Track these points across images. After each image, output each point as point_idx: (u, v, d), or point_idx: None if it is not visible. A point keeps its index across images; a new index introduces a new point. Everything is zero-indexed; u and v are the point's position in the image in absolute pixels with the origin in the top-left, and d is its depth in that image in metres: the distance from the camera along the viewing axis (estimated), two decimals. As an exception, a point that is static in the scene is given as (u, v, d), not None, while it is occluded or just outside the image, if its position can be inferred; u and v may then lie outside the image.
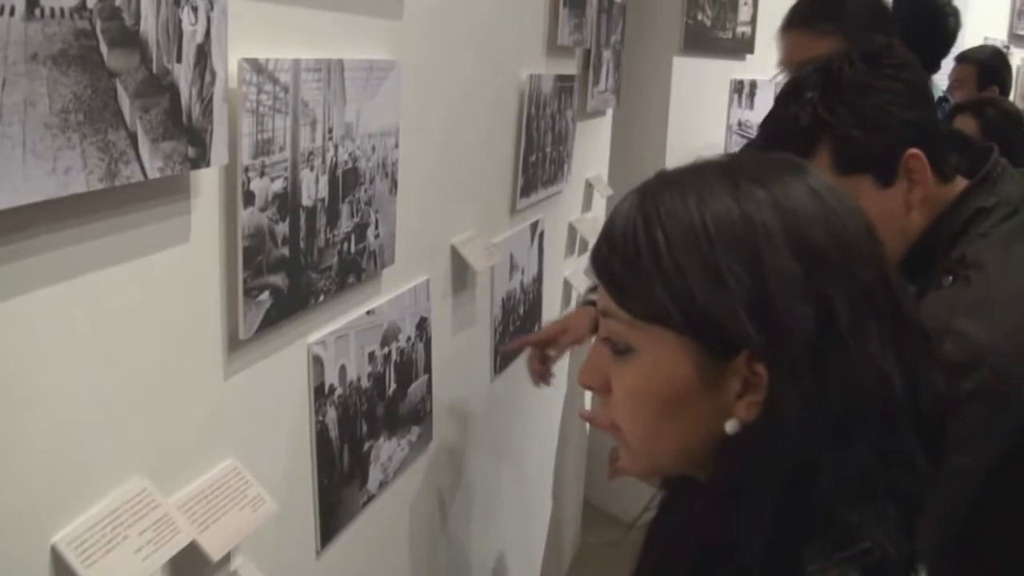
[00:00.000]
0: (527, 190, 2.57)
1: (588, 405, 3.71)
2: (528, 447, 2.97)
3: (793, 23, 1.93)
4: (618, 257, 0.89)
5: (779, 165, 0.90)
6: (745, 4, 4.31)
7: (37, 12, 0.86)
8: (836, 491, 0.83)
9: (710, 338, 0.85)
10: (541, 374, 2.25)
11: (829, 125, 1.45)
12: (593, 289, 2.23)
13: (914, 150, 1.44)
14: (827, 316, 0.82)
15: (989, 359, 1.32)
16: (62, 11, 0.89)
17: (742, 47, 4.37)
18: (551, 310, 3.03)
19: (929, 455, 0.88)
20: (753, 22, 4.39)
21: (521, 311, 2.67)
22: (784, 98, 1.54)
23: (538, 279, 2.81)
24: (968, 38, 6.21)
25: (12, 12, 0.84)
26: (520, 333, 2.68)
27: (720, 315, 0.83)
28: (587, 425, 3.81)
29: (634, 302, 0.88)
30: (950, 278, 1.44)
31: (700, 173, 0.90)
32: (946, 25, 3.37)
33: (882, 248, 0.89)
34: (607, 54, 3.16)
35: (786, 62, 1.96)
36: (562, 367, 3.29)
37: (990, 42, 6.27)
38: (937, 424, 0.89)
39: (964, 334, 1.34)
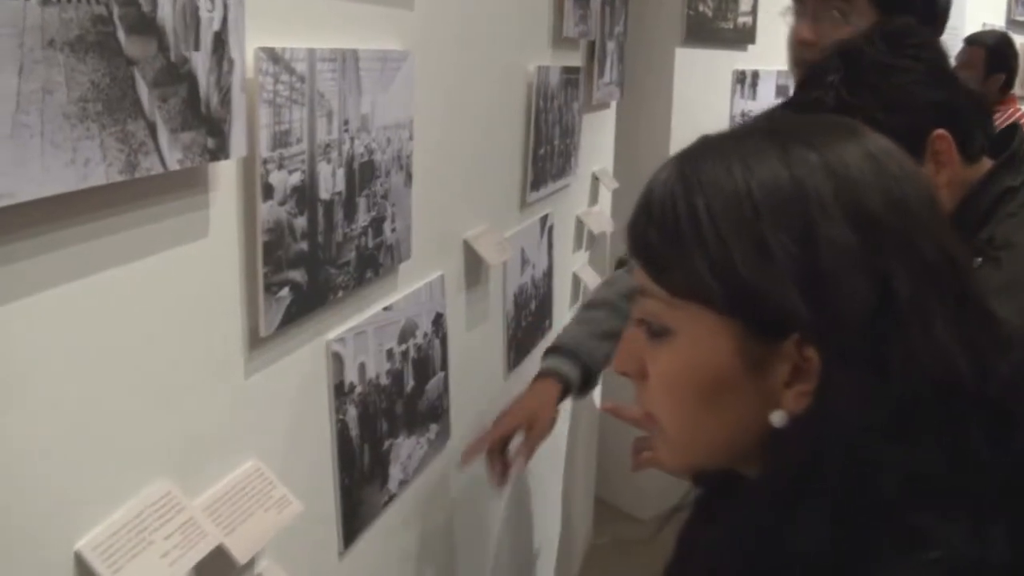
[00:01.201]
0: (537, 183, 2.54)
1: (598, 396, 3.69)
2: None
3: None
4: (655, 228, 0.82)
5: (832, 127, 0.83)
6: (746, -6, 4.29)
7: (53, -3, 0.83)
8: (900, 492, 0.76)
9: (755, 317, 0.78)
10: (503, 474, 1.95)
11: (853, 108, 1.41)
12: (553, 350, 2.08)
13: (940, 131, 1.41)
14: (886, 293, 0.75)
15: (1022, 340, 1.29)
16: (78, -4, 0.86)
17: (744, 37, 4.34)
18: (561, 305, 3.00)
19: (999, 449, 0.78)
20: (754, 12, 4.36)
21: (533, 306, 2.64)
22: (807, 83, 1.52)
23: (548, 273, 2.77)
24: (967, 24, 6.19)
25: (28, -4, 0.80)
26: (532, 329, 2.65)
27: (766, 291, 0.76)
28: (598, 420, 3.78)
29: (672, 278, 0.81)
30: (979, 260, 1.41)
31: (745, 137, 0.83)
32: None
33: (946, 219, 0.82)
34: (611, 46, 3.13)
35: (808, 43, 1.92)
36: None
37: (988, 27, 6.24)
38: (1006, 416, 0.79)
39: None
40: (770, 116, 0.96)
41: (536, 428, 1.94)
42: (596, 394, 3.66)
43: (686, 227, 0.79)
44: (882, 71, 1.44)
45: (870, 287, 0.75)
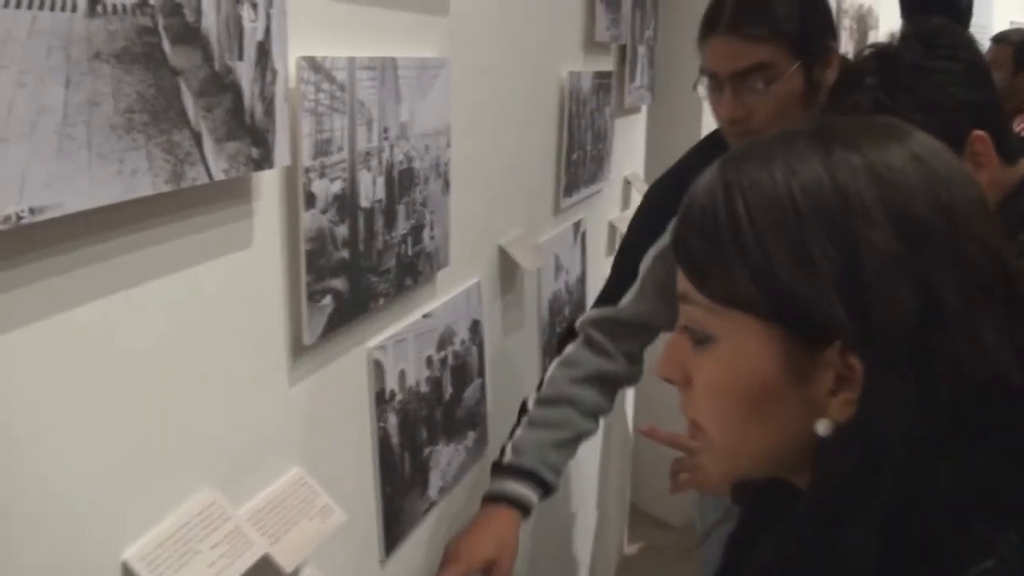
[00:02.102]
0: (570, 189, 2.53)
1: (631, 410, 3.68)
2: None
3: (718, 28, 1.76)
4: (695, 234, 0.81)
5: (878, 129, 0.81)
6: (775, -4, 4.25)
7: (99, 8, 0.83)
8: (951, 501, 0.74)
9: (797, 325, 0.76)
10: None
11: (891, 111, 1.40)
12: (509, 470, 1.73)
13: (978, 132, 1.39)
14: (931, 301, 0.73)
15: None
16: (124, 7, 0.86)
17: (773, 39, 4.31)
18: (595, 311, 2.98)
19: None
20: (784, 14, 4.33)
21: (567, 312, 2.63)
22: (842, 86, 1.50)
23: (582, 279, 2.77)
24: (995, 23, 6.15)
25: (74, 8, 0.81)
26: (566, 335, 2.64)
27: (807, 298, 0.74)
28: (631, 426, 3.76)
29: (713, 284, 0.80)
30: (1023, 261, 1.39)
31: (790, 140, 0.81)
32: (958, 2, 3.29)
33: (994, 220, 0.80)
34: (642, 50, 3.12)
35: (713, 70, 1.74)
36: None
37: (1015, 26, 6.20)
38: None
39: None
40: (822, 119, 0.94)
41: (498, 572, 1.64)
42: (628, 409, 3.66)
43: (726, 233, 0.78)
44: (919, 73, 1.42)
45: (914, 294, 0.73)
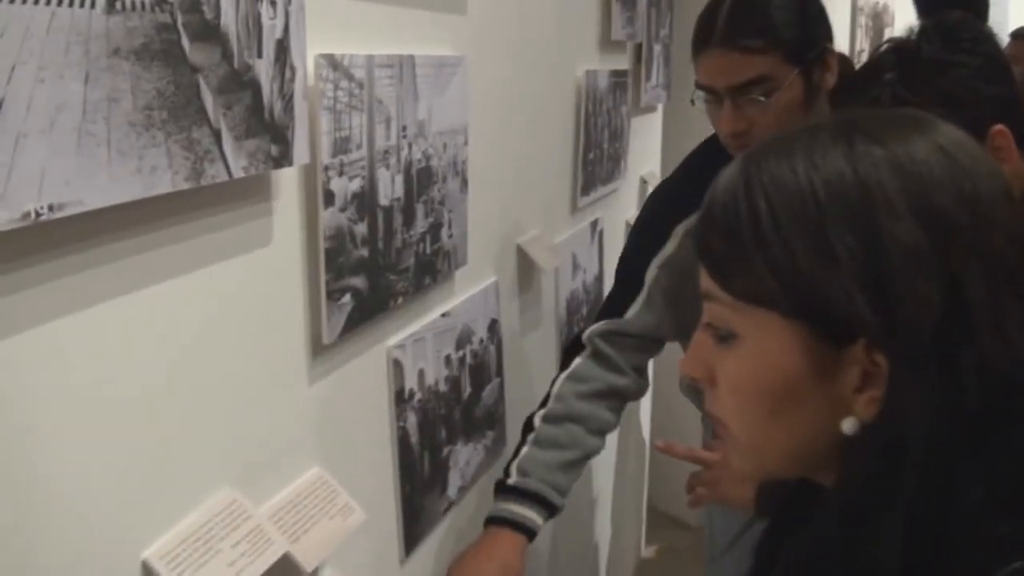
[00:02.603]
0: (587, 188, 2.52)
1: (647, 411, 3.66)
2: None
3: (712, 42, 1.72)
4: (717, 230, 0.80)
5: (902, 120, 0.80)
6: (791, -6, 4.24)
7: (118, 5, 0.83)
8: (978, 500, 0.73)
9: (821, 321, 0.75)
10: None
11: (911, 106, 1.39)
12: (515, 492, 1.68)
13: (999, 126, 1.38)
14: (956, 296, 0.72)
15: None
16: (143, 4, 0.86)
17: (789, 38, 4.29)
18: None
19: None
20: (800, 12, 4.31)
21: (584, 311, 2.63)
22: (861, 81, 1.49)
23: (599, 278, 2.76)
24: (1011, 19, 6.11)
25: (93, 5, 0.80)
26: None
27: (830, 294, 0.73)
28: (648, 427, 3.75)
29: (735, 281, 0.79)
30: None
31: (811, 133, 0.79)
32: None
33: (1021, 215, 0.78)
34: (657, 48, 3.11)
35: (709, 85, 1.69)
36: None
37: (1034, 22, 6.16)
38: None
39: None
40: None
41: None
42: (645, 410, 3.65)
43: (747, 229, 0.77)
44: (939, 67, 1.41)
45: (939, 289, 0.72)
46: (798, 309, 0.76)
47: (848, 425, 0.77)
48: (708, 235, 0.81)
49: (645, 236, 1.92)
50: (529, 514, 1.66)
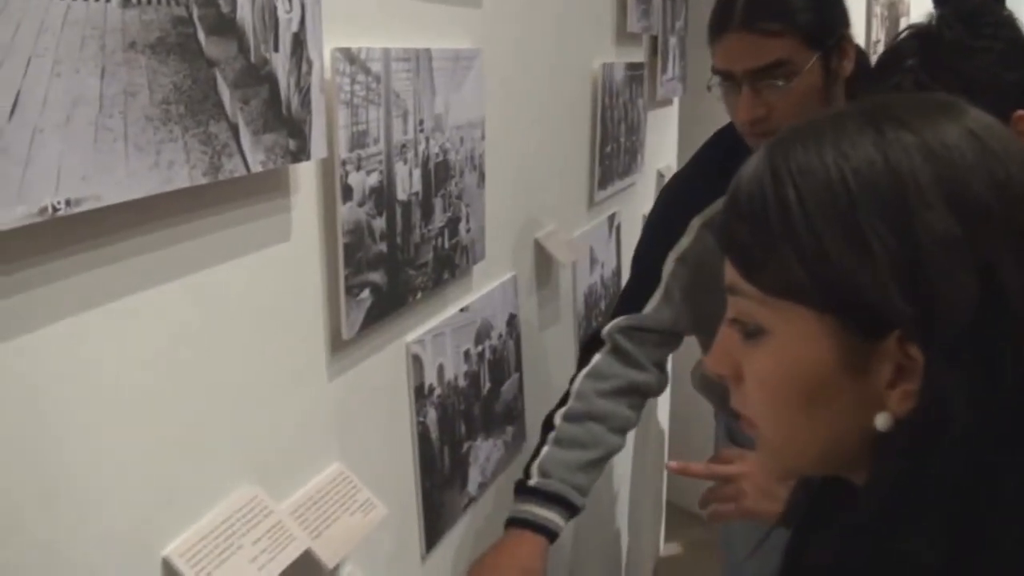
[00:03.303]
0: (604, 182, 2.51)
1: (666, 406, 3.65)
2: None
3: (730, 26, 1.70)
4: (743, 223, 0.77)
5: (930, 105, 0.77)
6: (806, -15, 4.22)
7: (134, -1, 0.82)
8: (1019, 497, 0.71)
9: (853, 315, 0.73)
10: None
11: (933, 92, 1.37)
12: (536, 494, 1.67)
13: (1021, 112, 1.36)
14: (992, 284, 0.70)
15: None
16: (159, -3, 0.85)
17: (805, 29, 4.27)
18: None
19: None
20: (815, 3, 4.29)
21: (602, 306, 2.62)
22: (882, 68, 1.47)
23: (617, 273, 2.75)
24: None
25: (109, -1, 0.80)
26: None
27: (863, 286, 0.71)
28: (667, 423, 3.74)
29: (763, 275, 0.76)
30: None
31: (839, 121, 0.77)
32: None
33: None
34: (673, 41, 3.09)
35: (727, 69, 1.67)
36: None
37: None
38: None
39: None
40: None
41: None
42: (664, 410, 3.63)
43: (776, 221, 0.75)
44: (961, 53, 1.39)
45: (975, 278, 0.70)
46: (829, 302, 0.74)
47: (882, 421, 0.75)
48: (734, 227, 0.79)
49: (660, 230, 1.91)
50: (551, 516, 1.65)
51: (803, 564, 0.91)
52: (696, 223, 1.78)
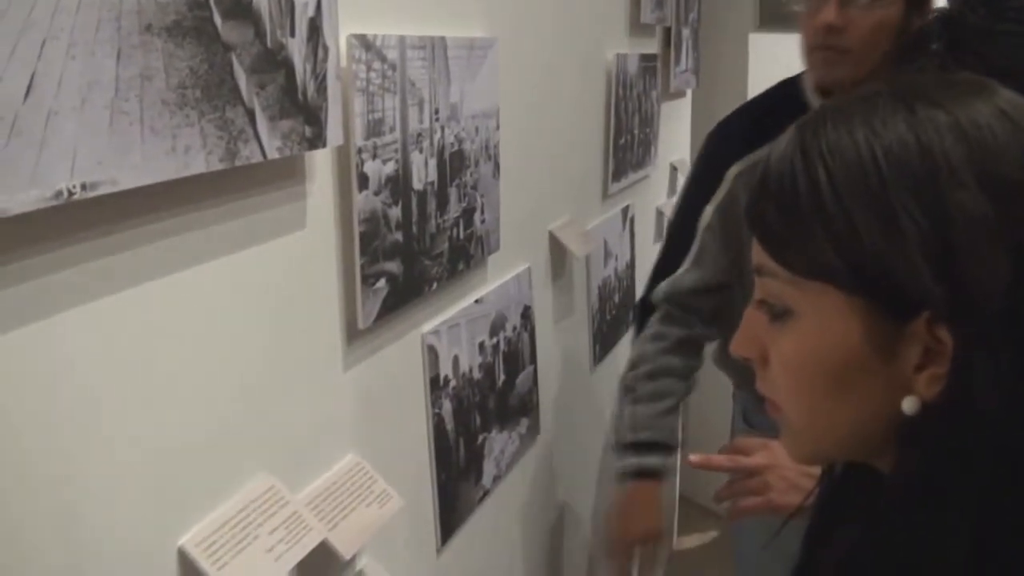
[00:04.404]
0: (618, 174, 2.50)
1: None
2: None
3: None
4: (773, 203, 0.76)
5: (961, 85, 0.76)
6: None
7: (150, -19, 0.81)
8: None
9: (883, 295, 0.72)
10: None
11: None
12: (642, 447, 1.87)
13: None
14: None
15: None
16: (175, -20, 0.84)
17: (818, 20, 4.25)
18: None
19: None
20: (828, -6, 4.27)
21: (616, 299, 2.61)
22: (906, 52, 1.46)
23: (631, 265, 2.74)
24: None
25: (125, -20, 0.79)
26: (616, 322, 2.61)
27: (894, 267, 0.70)
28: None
29: (793, 256, 0.75)
30: None
31: (870, 100, 0.76)
32: None
33: None
34: (686, 32, 3.08)
35: (834, 29, 1.71)
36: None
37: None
38: None
39: None
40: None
41: (658, 540, 1.88)
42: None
43: (806, 201, 0.74)
44: (987, 36, 1.37)
45: (1008, 260, 0.68)
46: (859, 283, 0.72)
47: (909, 404, 0.74)
48: (763, 206, 0.78)
49: (697, 184, 2.02)
50: (655, 461, 1.86)
51: (826, 553, 0.90)
52: (732, 172, 1.82)
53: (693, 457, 1.64)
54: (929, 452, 0.73)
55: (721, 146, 2.00)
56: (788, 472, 1.52)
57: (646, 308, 1.99)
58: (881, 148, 0.72)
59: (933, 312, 0.70)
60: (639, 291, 2.82)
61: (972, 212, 0.69)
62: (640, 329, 1.98)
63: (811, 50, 1.77)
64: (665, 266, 1.98)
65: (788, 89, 1.91)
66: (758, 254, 0.79)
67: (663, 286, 1.92)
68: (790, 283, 0.76)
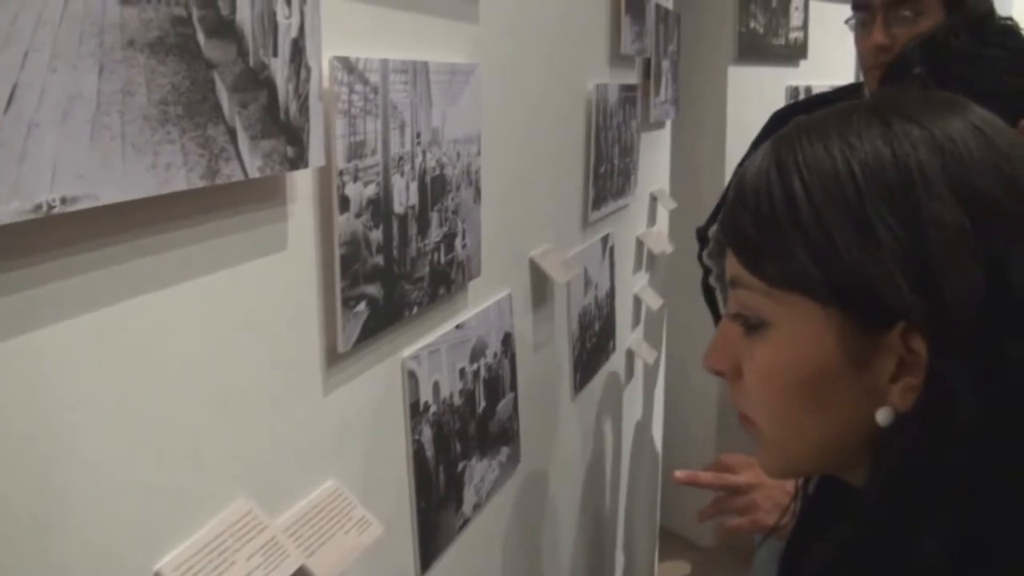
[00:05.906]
0: (598, 202, 2.50)
1: (659, 430, 3.63)
2: (601, 471, 2.88)
3: None
4: (750, 215, 0.77)
5: (935, 101, 0.78)
6: (796, 9, 4.25)
7: (133, -4, 0.81)
8: None
9: (858, 306, 0.73)
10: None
11: None
12: None
13: None
14: (999, 280, 0.70)
15: None
16: (158, -4, 0.84)
17: (795, 53, 4.30)
18: (624, 327, 2.96)
19: None
20: (805, 27, 4.33)
21: (596, 327, 2.60)
22: (889, 77, 1.48)
23: (611, 294, 2.73)
24: (1016, 15, 6.09)
25: (108, -5, 0.78)
26: (597, 351, 2.60)
27: (870, 277, 0.71)
28: (660, 447, 3.72)
29: (769, 267, 0.76)
30: None
31: (844, 114, 0.78)
32: None
33: None
34: (666, 64, 3.10)
35: (866, 1, 1.89)
36: (636, 387, 3.22)
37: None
38: None
39: None
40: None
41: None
42: (658, 432, 3.61)
43: (783, 212, 0.75)
44: (969, 60, 1.39)
45: (982, 272, 0.70)
46: (835, 293, 0.74)
47: (883, 415, 0.75)
48: (739, 219, 0.79)
49: (754, 149, 2.12)
50: None
51: (802, 569, 0.90)
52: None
53: (679, 473, 1.64)
54: (903, 463, 0.74)
55: (782, 121, 2.07)
56: (773, 491, 1.52)
57: (703, 237, 2.36)
58: (857, 161, 0.73)
59: (908, 323, 0.72)
60: (619, 319, 2.83)
61: (947, 223, 0.70)
62: (701, 251, 2.32)
63: (867, 69, 1.92)
64: (722, 205, 2.10)
65: (851, 92, 2.10)
66: (733, 266, 0.81)
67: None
68: (765, 295, 0.78)
